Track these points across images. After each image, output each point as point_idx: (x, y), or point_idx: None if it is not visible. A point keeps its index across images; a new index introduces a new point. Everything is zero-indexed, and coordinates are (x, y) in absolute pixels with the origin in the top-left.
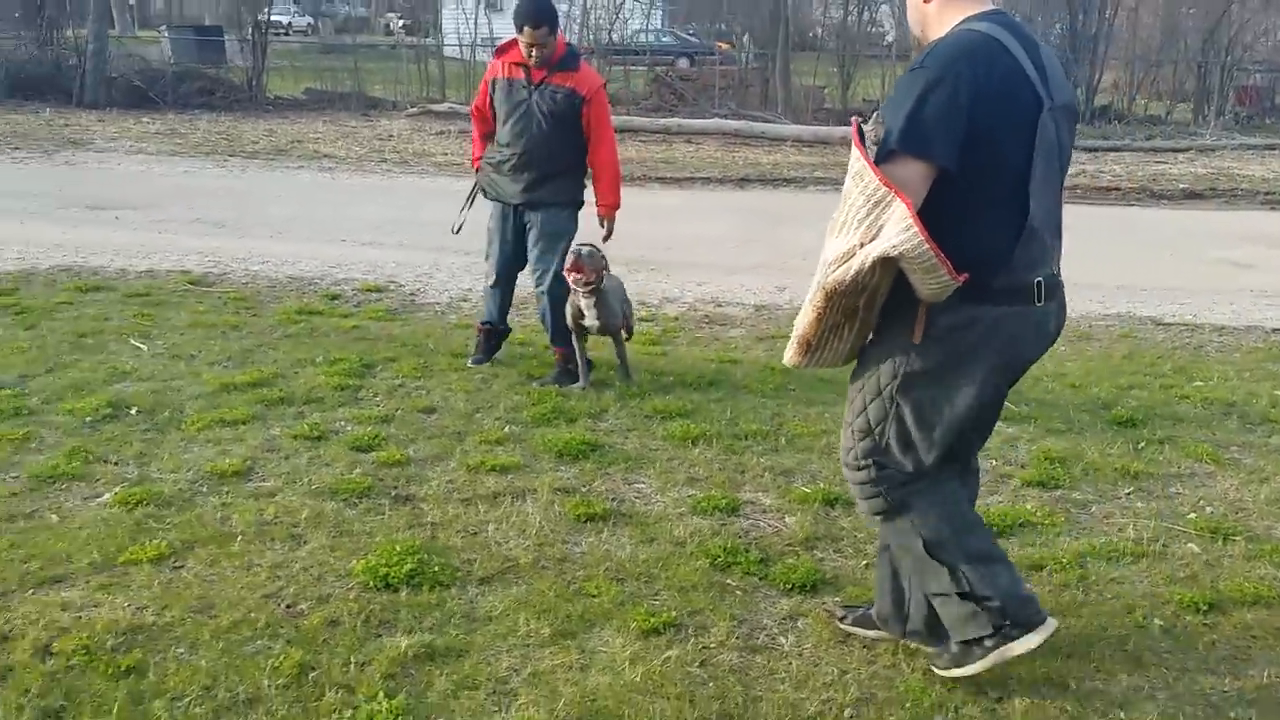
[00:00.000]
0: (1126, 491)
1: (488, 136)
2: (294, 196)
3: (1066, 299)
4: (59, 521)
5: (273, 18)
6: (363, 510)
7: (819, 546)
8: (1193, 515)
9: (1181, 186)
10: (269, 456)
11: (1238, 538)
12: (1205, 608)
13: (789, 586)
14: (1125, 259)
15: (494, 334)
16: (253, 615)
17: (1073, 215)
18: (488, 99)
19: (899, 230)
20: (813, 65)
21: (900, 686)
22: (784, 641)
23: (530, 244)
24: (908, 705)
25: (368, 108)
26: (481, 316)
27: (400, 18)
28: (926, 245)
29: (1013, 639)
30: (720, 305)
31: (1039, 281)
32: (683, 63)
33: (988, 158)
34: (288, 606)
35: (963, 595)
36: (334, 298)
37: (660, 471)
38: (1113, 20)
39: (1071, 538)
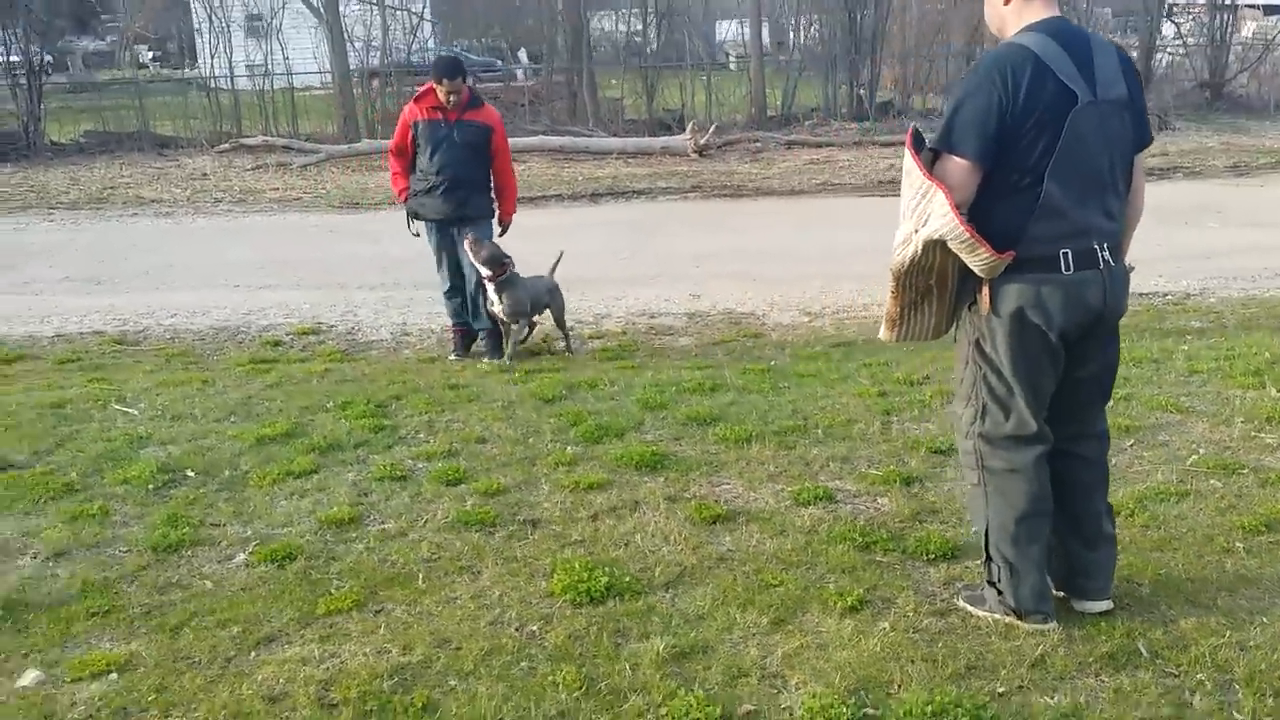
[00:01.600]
0: (1129, 444)
1: (409, 170)
2: (149, 245)
3: (1126, 280)
4: (215, 587)
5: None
6: (506, 537)
7: (928, 520)
8: (1193, 457)
9: None
10: (370, 500)
11: (1244, 470)
12: (1264, 529)
13: (932, 557)
14: None
15: (468, 333)
16: (498, 642)
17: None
18: (409, 138)
19: (940, 216)
20: (607, 78)
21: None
22: (961, 603)
23: (461, 252)
24: (1104, 639)
25: (160, 146)
26: (452, 319)
27: (150, 49)
28: (963, 228)
29: (1012, 618)
30: (654, 316)
31: (1065, 253)
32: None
33: (1013, 152)
34: (518, 629)
35: (990, 583)
36: (276, 344)
37: (738, 472)
38: (886, 19)
39: (1119, 486)
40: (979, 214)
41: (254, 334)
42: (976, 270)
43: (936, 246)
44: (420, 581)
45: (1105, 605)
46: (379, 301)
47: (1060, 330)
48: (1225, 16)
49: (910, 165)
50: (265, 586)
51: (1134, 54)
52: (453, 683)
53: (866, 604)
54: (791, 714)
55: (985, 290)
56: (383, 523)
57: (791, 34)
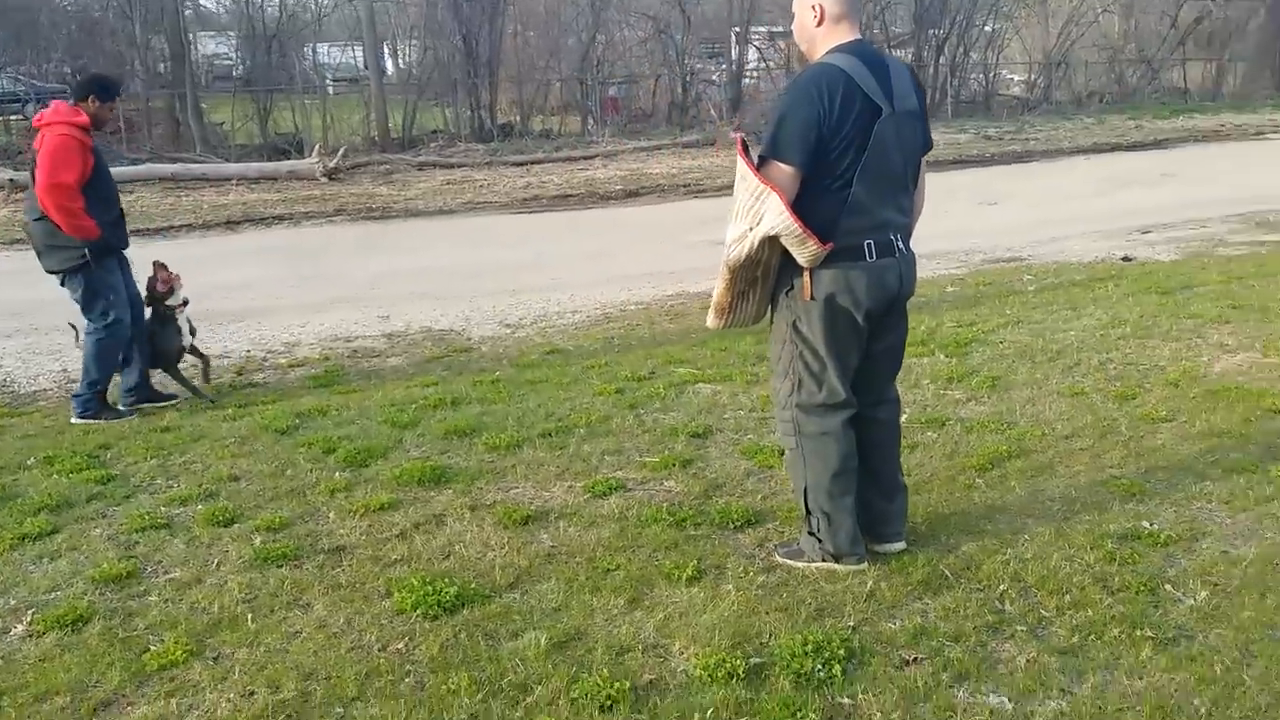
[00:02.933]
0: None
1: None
2: None
3: (914, 265)
4: (5, 663)
5: None
6: (317, 567)
7: (718, 494)
8: (904, 415)
9: (618, 188)
10: (139, 552)
11: (950, 422)
12: (990, 466)
13: (738, 524)
14: (635, 251)
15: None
16: (371, 664)
17: (554, 222)
18: (90, 167)
19: (775, 215)
20: (213, 103)
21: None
22: (780, 559)
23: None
24: (911, 571)
25: None
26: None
27: None
28: (796, 224)
29: (831, 563)
30: (350, 340)
31: (869, 244)
32: (31, 108)
33: (828, 159)
34: (382, 648)
35: (810, 533)
36: None
37: (524, 475)
38: (500, 43)
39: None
40: (798, 212)
41: None
42: (801, 260)
43: (768, 242)
44: (250, 622)
45: (901, 545)
46: (23, 349)
47: (866, 310)
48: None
49: (745, 170)
50: (69, 654)
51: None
52: (340, 710)
53: (703, 573)
54: (689, 675)
55: (806, 277)
56: (167, 573)
57: (403, 58)
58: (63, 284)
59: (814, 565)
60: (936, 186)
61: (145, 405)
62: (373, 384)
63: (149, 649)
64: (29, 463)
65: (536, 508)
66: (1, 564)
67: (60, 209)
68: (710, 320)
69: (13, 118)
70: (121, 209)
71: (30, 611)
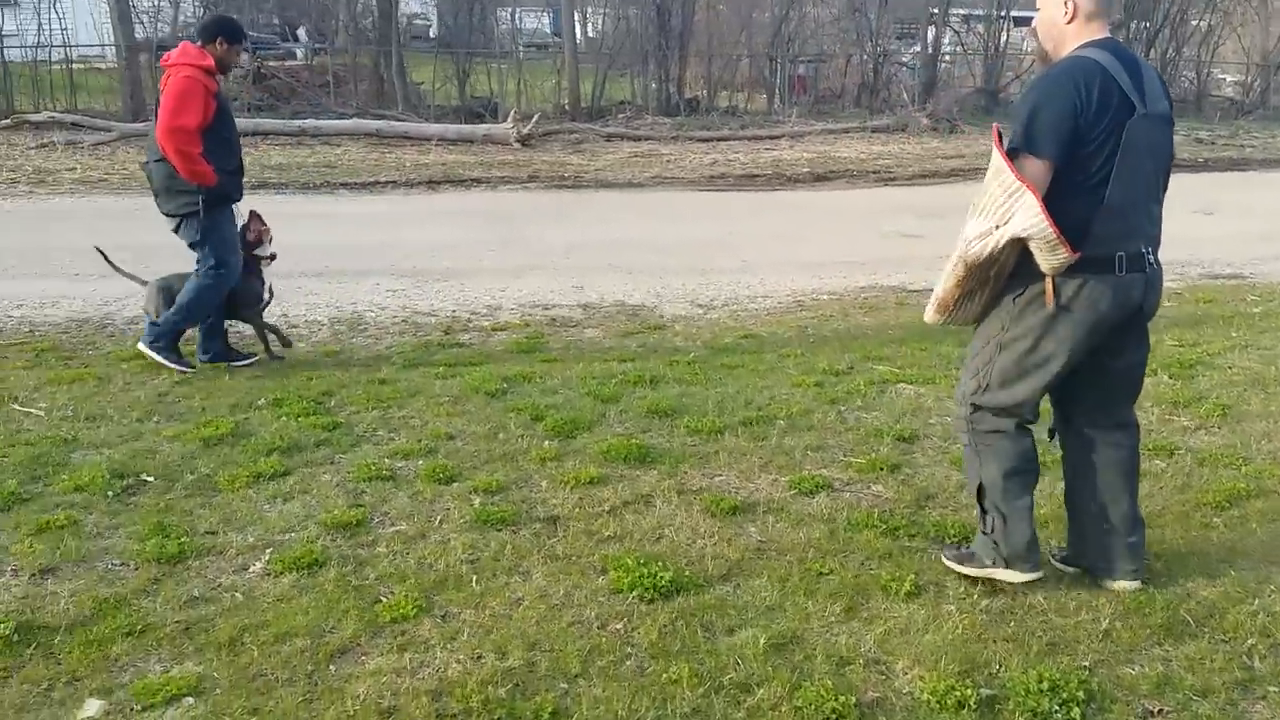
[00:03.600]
0: None
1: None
2: None
3: (1160, 283)
4: (247, 599)
5: None
6: (534, 535)
7: (930, 505)
8: None
9: (805, 170)
10: (367, 501)
11: (1180, 451)
12: (1228, 504)
13: (955, 540)
14: (826, 237)
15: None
16: (593, 642)
17: (741, 202)
18: (212, 112)
19: (1029, 216)
20: (416, 63)
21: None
22: (949, 562)
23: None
24: (1148, 612)
25: None
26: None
27: None
28: (1051, 229)
29: (1002, 569)
30: (547, 308)
31: (1120, 256)
32: (244, 58)
33: (1083, 155)
34: (601, 626)
35: (984, 533)
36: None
37: (727, 464)
38: (692, 18)
39: None
40: (1050, 213)
41: (121, 325)
42: (1045, 267)
43: (1014, 243)
44: (474, 584)
45: (1137, 585)
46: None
47: (1101, 326)
48: (999, 27)
49: (1000, 164)
50: (306, 596)
51: (917, 62)
52: (564, 685)
53: (922, 589)
54: (915, 699)
55: (1049, 284)
56: (393, 525)
57: (593, 26)
58: (177, 230)
59: (985, 571)
60: None
61: (158, 354)
62: (571, 354)
63: (380, 600)
64: (259, 403)
65: (742, 499)
66: (239, 500)
67: (179, 153)
68: (930, 314)
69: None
70: (241, 160)
71: (268, 551)
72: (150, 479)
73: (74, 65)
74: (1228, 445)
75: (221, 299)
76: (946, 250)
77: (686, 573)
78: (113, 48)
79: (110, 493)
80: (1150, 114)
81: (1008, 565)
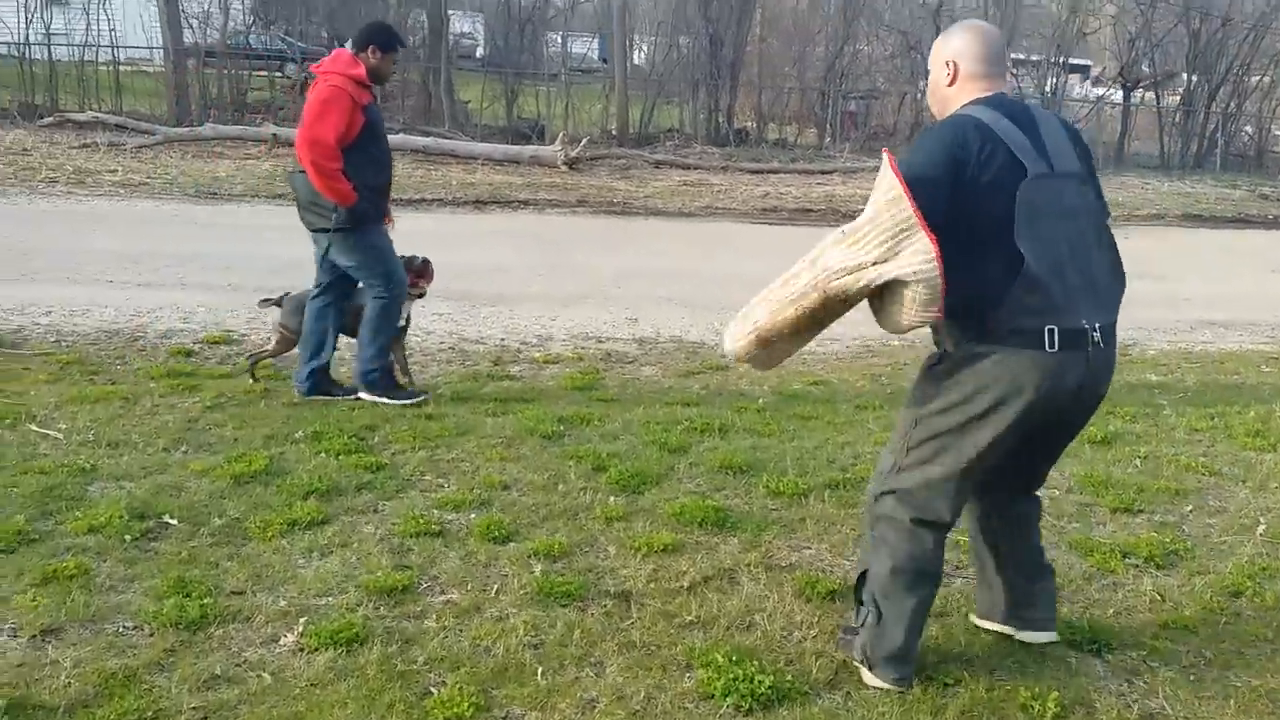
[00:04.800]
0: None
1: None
2: None
3: (1109, 367)
4: (276, 681)
5: None
6: (604, 615)
7: (1059, 597)
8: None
9: (859, 207)
10: (414, 562)
11: None
12: None
13: (1094, 648)
14: None
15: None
16: None
17: (796, 237)
18: (360, 126)
19: (920, 259)
20: (464, 81)
21: None
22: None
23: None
24: None
25: None
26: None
27: None
28: (939, 278)
29: (865, 669)
30: (601, 341)
31: (1050, 329)
32: (290, 68)
33: (963, 217)
34: None
35: (857, 626)
36: (186, 354)
37: (816, 535)
38: (744, 48)
39: (1216, 561)
40: (947, 270)
41: (154, 340)
42: (903, 322)
43: (888, 287)
44: (539, 677)
45: (1051, 636)
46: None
47: (1030, 410)
48: (1059, 75)
49: (899, 194)
50: (345, 682)
51: None
52: None
53: (1068, 710)
54: None
55: (954, 350)
56: (444, 593)
57: (642, 52)
58: (326, 252)
59: (856, 662)
60: (1214, 243)
61: (316, 397)
62: (630, 394)
63: (431, 692)
64: (297, 436)
65: (839, 579)
66: (271, 552)
67: (315, 166)
68: (740, 345)
69: (276, 75)
70: (390, 178)
71: (302, 620)
72: (173, 521)
73: (121, 67)
74: None
75: (322, 332)
76: None
77: (788, 676)
78: (160, 50)
79: (128, 536)
80: (1056, 173)
81: (870, 667)
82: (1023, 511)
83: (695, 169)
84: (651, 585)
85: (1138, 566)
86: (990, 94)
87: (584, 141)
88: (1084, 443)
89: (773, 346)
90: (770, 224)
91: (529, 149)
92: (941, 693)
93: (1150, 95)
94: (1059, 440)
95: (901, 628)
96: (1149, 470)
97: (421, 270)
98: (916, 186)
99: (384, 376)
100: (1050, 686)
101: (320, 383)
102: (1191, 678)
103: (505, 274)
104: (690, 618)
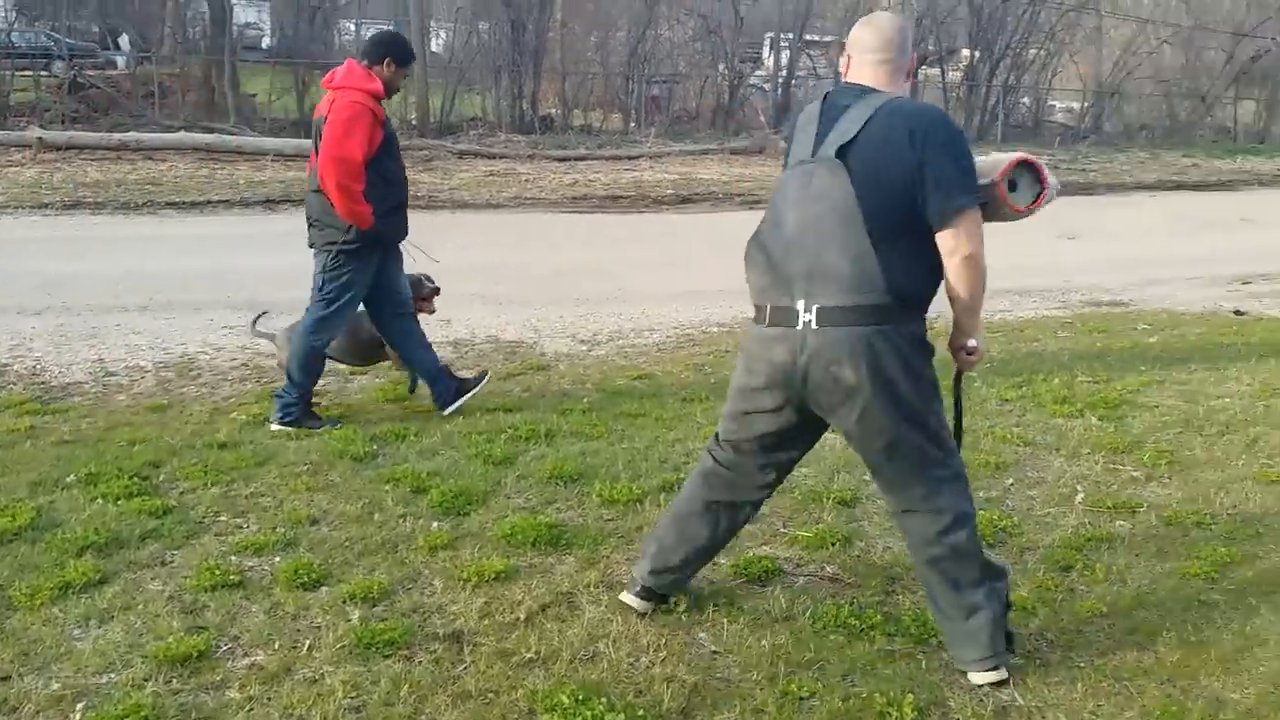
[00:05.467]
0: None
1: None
2: None
3: (830, 353)
4: None
5: None
6: (433, 662)
7: (898, 591)
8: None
9: (669, 192)
10: (211, 621)
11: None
12: (1217, 576)
13: (941, 641)
14: (702, 263)
15: None
16: None
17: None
18: (378, 142)
19: None
20: (249, 74)
21: None
22: None
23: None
24: None
25: None
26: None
27: None
28: None
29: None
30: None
31: (767, 307)
32: (58, 66)
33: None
34: None
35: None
36: None
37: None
38: (546, 34)
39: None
40: None
41: None
42: None
43: None
44: None
45: (986, 678)
46: (53, 332)
47: (756, 379)
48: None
49: None
50: None
51: (768, 85)
52: None
53: (924, 713)
54: None
55: None
56: (247, 655)
57: (441, 40)
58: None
59: None
60: None
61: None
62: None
63: None
64: (68, 480)
65: (683, 592)
66: (40, 625)
67: (340, 188)
68: None
69: (42, 74)
70: (405, 197)
71: (80, 706)
72: None
73: None
74: (1187, 499)
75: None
76: None
77: (639, 710)
78: None
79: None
80: (818, 160)
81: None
82: (910, 536)
83: (501, 158)
84: (484, 621)
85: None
86: (844, 84)
87: None
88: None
89: None
90: (581, 212)
91: None
92: (797, 708)
93: (936, 71)
94: (844, 425)
95: (651, 546)
96: (968, 444)
97: (428, 296)
98: None
99: (300, 409)
100: (904, 689)
101: (461, 385)
102: (1038, 662)
103: (302, 280)
104: (529, 654)
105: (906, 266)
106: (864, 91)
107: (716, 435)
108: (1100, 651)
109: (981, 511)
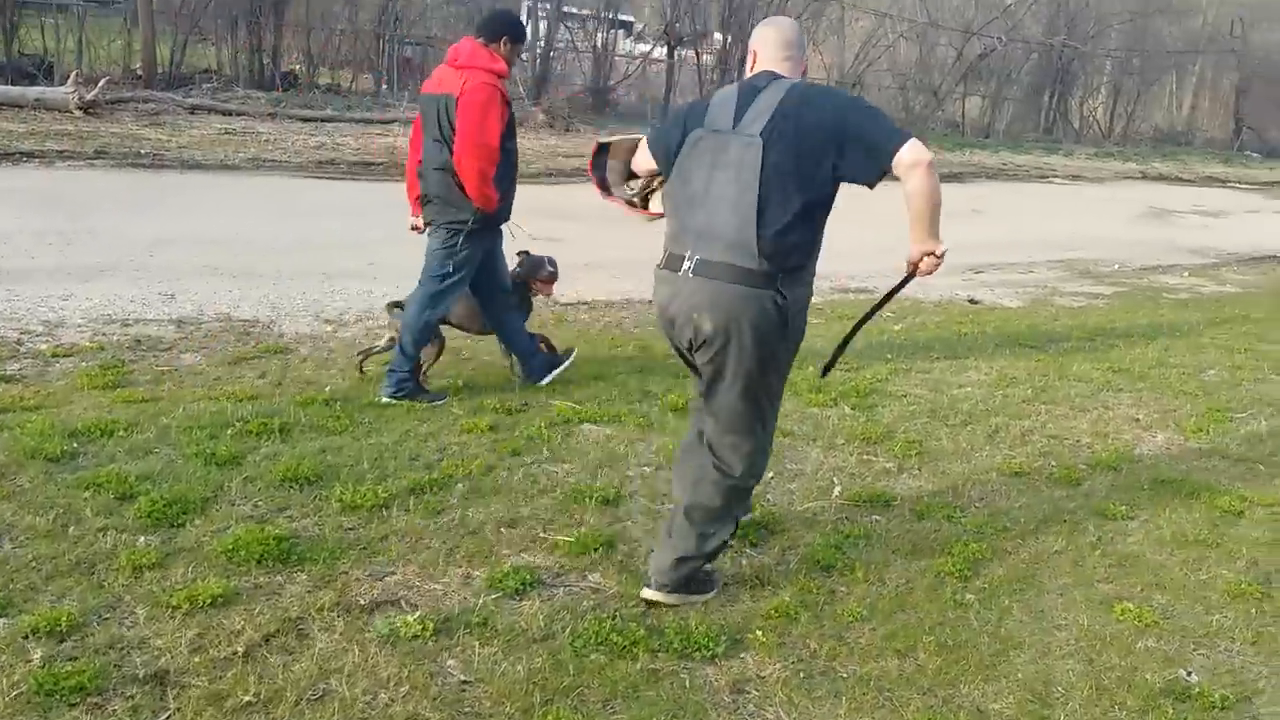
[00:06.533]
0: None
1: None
2: None
3: (696, 298)
4: None
5: None
6: (130, 711)
7: None
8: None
9: None
10: None
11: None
12: (970, 574)
13: (708, 654)
14: None
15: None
16: None
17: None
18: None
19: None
20: None
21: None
22: None
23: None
24: None
25: None
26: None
27: None
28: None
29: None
30: (129, 324)
31: (673, 254)
32: None
33: (668, 159)
34: None
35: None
36: None
37: (400, 555)
38: None
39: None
40: None
41: None
42: None
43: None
44: None
45: (652, 595)
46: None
47: (664, 315)
48: (608, 30)
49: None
50: None
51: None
52: None
53: None
54: None
55: None
56: None
57: None
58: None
59: None
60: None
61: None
62: (167, 390)
63: None
64: None
65: (430, 611)
66: None
67: (480, 172)
68: None
69: None
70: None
71: None
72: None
73: None
74: (937, 492)
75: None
76: (588, 257)
77: None
78: None
79: None
80: (737, 132)
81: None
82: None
83: (239, 115)
84: (195, 657)
85: (733, 549)
86: (754, 73)
87: (103, 82)
88: (666, 411)
89: None
90: (329, 178)
91: (34, 90)
92: None
93: (691, 53)
94: (705, 363)
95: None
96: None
97: (548, 280)
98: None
99: (414, 381)
100: (668, 713)
101: (550, 360)
102: (801, 675)
103: (2, 244)
104: (247, 697)
105: (789, 239)
106: (775, 77)
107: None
108: (863, 659)
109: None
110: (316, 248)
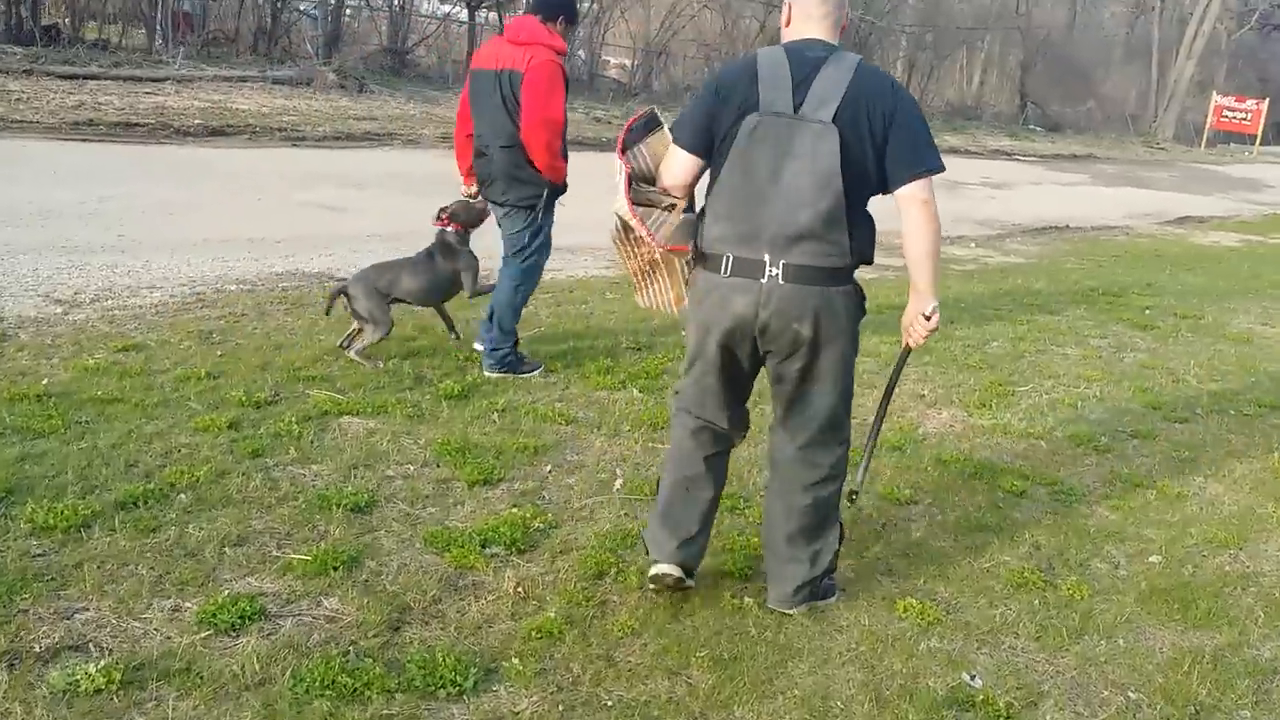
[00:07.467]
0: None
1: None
2: None
3: (793, 305)
4: None
5: None
6: None
7: (412, 621)
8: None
9: (197, 122)
10: None
11: None
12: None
13: (451, 691)
14: (229, 207)
15: None
16: None
17: (116, 157)
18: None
19: (617, 198)
20: None
21: None
22: None
23: None
24: None
25: None
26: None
27: None
28: (628, 212)
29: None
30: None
31: (726, 257)
32: None
33: (713, 146)
34: None
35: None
36: None
37: (96, 586)
38: None
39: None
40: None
41: None
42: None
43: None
44: None
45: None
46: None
47: (715, 330)
48: None
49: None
50: None
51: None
52: None
53: None
54: None
55: (695, 271)
56: None
57: None
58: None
59: None
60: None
61: (510, 373)
62: None
63: None
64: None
65: (123, 657)
66: None
67: (549, 146)
68: (637, 297)
69: None
70: None
71: None
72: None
73: None
74: None
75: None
76: (373, 227)
77: None
78: None
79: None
80: (803, 119)
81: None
82: (777, 472)
83: None
84: None
85: (499, 557)
86: (801, 39)
87: None
88: (440, 399)
89: (644, 289)
90: (85, 140)
91: None
92: None
93: (494, 15)
94: (784, 372)
95: (661, 525)
96: (508, 426)
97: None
98: (678, 128)
99: (514, 352)
100: None
101: (520, 362)
102: (561, 707)
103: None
104: None
105: (863, 231)
106: (830, 49)
107: (677, 393)
108: (630, 681)
109: (514, 510)
110: (58, 218)
